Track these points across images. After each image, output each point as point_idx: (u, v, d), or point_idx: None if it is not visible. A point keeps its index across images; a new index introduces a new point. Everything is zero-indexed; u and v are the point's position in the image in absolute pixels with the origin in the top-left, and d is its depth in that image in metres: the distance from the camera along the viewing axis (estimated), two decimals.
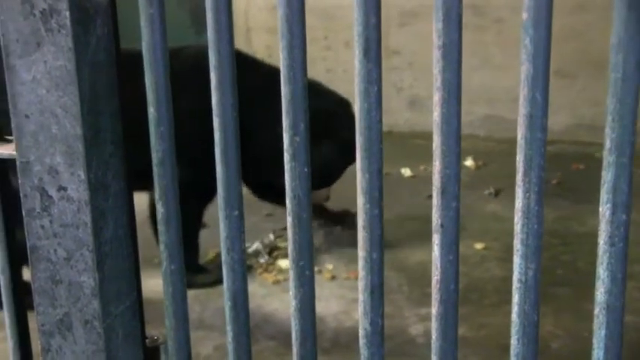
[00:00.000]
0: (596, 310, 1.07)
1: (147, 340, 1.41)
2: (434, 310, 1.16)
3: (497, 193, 4.62)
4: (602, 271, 1.06)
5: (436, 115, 1.07)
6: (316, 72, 5.01)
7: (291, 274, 1.24)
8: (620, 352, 1.08)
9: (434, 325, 1.16)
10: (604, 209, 1.03)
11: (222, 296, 1.31)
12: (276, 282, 3.45)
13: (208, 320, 3.10)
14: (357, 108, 1.11)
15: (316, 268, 3.46)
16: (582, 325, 2.93)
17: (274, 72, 3.37)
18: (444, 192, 1.10)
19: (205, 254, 3.68)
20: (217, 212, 1.27)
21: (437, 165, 1.09)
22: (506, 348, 1.15)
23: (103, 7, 1.22)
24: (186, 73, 3.06)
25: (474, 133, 6.01)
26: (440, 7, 1.03)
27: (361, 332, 1.21)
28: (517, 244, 1.08)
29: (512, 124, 1.20)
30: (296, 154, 1.17)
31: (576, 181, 4.82)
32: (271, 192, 3.82)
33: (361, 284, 1.19)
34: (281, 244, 3.83)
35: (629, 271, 1.06)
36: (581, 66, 5.70)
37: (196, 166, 2.89)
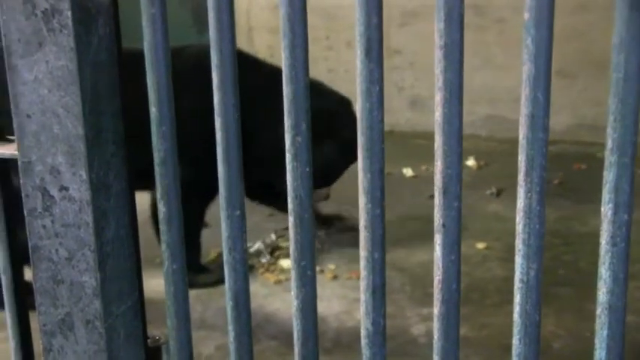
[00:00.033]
0: (598, 310, 1.07)
1: (148, 340, 1.41)
2: (436, 309, 1.16)
3: (498, 193, 4.62)
4: (604, 271, 1.05)
5: (438, 115, 1.07)
6: (318, 72, 5.00)
7: (293, 274, 1.24)
8: (622, 352, 1.08)
9: (436, 325, 1.16)
10: (606, 209, 1.03)
11: (224, 296, 1.31)
12: (278, 282, 3.45)
13: (210, 320, 3.11)
14: (358, 108, 1.11)
15: (318, 268, 3.46)
16: (584, 325, 2.93)
17: (275, 72, 3.38)
18: (445, 192, 1.10)
19: (207, 254, 3.68)
20: (219, 212, 1.27)
21: (438, 165, 1.09)
22: (508, 348, 1.15)
23: (104, 6, 1.22)
24: (188, 72, 3.06)
25: (475, 133, 6.01)
26: (442, 7, 1.03)
27: (363, 332, 1.21)
28: (519, 244, 1.08)
29: (514, 124, 1.20)
30: (298, 154, 1.17)
31: (578, 181, 4.82)
32: (266, 194, 3.82)
33: (363, 284, 1.19)
34: (283, 244, 3.83)
35: (631, 270, 1.06)
36: (583, 66, 5.70)
37: (198, 165, 2.89)
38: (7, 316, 1.45)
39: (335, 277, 3.49)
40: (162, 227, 1.31)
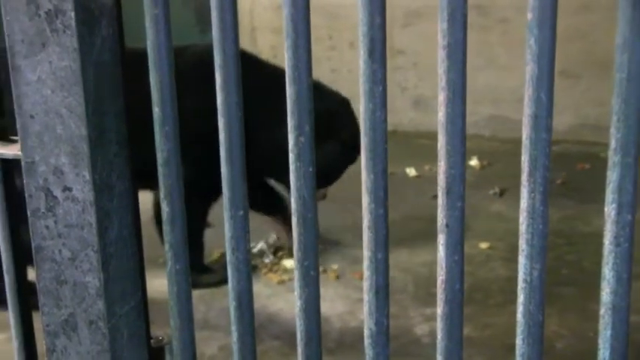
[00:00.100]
0: (602, 311, 1.07)
1: (152, 341, 1.41)
2: (439, 310, 1.16)
3: (502, 193, 4.62)
4: (607, 272, 1.05)
5: (441, 115, 1.07)
6: (321, 72, 5.00)
7: (296, 274, 1.24)
8: (625, 352, 1.08)
9: (439, 325, 1.16)
10: (609, 209, 1.03)
11: (227, 296, 1.31)
12: (281, 282, 3.45)
13: (213, 320, 3.11)
14: (361, 108, 1.11)
15: (321, 268, 3.45)
16: (587, 325, 2.92)
17: (277, 73, 3.39)
18: (449, 192, 1.10)
19: (210, 254, 3.68)
20: (222, 212, 1.27)
21: (442, 165, 1.09)
22: (511, 348, 1.15)
23: (108, 7, 1.22)
24: (191, 72, 3.06)
25: (478, 133, 6.00)
26: (445, 8, 1.02)
27: (366, 332, 1.21)
28: (522, 244, 1.08)
29: (517, 124, 1.20)
30: (301, 155, 1.17)
31: (581, 181, 4.81)
32: (260, 196, 3.80)
33: (366, 284, 1.19)
34: (285, 244, 3.83)
35: (634, 271, 1.06)
36: (586, 66, 5.70)
37: (201, 165, 2.89)
38: (11, 316, 1.45)
39: (338, 278, 3.49)
40: (166, 227, 1.31)
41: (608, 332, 1.07)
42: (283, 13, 1.12)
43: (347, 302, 3.23)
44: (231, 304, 1.30)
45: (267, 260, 3.68)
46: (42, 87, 1.21)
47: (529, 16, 0.99)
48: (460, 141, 1.07)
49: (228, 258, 1.28)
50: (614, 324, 1.07)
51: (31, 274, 1.35)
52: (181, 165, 1.29)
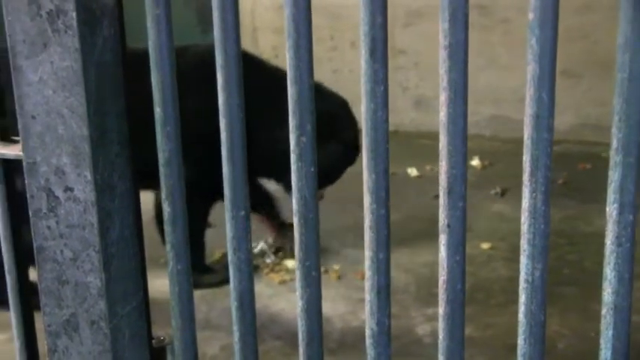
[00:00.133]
0: (604, 311, 1.07)
1: (153, 341, 1.41)
2: (441, 310, 1.16)
3: (503, 193, 4.62)
4: (609, 272, 1.05)
5: (442, 115, 1.07)
6: (322, 72, 5.00)
7: (298, 275, 1.24)
8: (627, 352, 1.08)
9: (441, 325, 1.16)
10: (611, 209, 1.03)
11: (229, 296, 1.31)
12: (283, 282, 3.45)
13: (215, 320, 3.11)
14: (363, 108, 1.11)
15: (323, 269, 3.46)
16: (589, 325, 2.92)
17: (276, 74, 3.40)
18: (450, 192, 1.09)
19: (212, 254, 3.68)
20: (223, 212, 1.27)
21: (443, 165, 1.09)
22: (513, 348, 1.15)
23: (109, 8, 1.22)
24: (192, 72, 3.06)
25: (480, 133, 6.00)
26: (446, 7, 1.02)
27: (368, 332, 1.21)
28: (524, 244, 1.08)
29: (518, 124, 1.20)
30: (302, 155, 1.17)
31: (582, 180, 4.81)
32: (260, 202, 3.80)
33: (368, 284, 1.19)
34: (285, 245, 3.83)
35: (636, 271, 1.06)
36: (588, 66, 5.69)
37: (202, 165, 2.89)
38: (12, 316, 1.45)
39: (340, 278, 3.49)
40: (167, 228, 1.31)
41: (610, 332, 1.07)
42: (285, 14, 1.12)
43: (348, 302, 3.23)
44: (233, 304, 1.30)
45: (268, 260, 3.68)
46: (43, 87, 1.21)
47: (530, 16, 0.99)
48: (461, 141, 1.07)
49: (229, 258, 1.28)
50: (616, 324, 1.07)
51: (33, 275, 1.35)
52: (183, 165, 1.29)
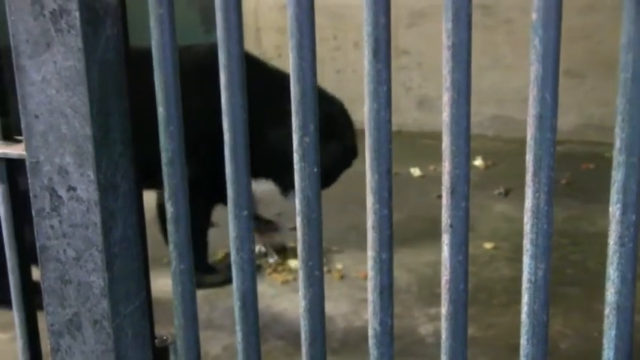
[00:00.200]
0: (607, 311, 1.07)
1: (156, 340, 1.41)
2: (443, 309, 1.16)
3: (506, 193, 4.61)
4: (612, 272, 1.05)
5: (445, 115, 1.07)
6: (325, 72, 5.00)
7: (301, 274, 1.24)
8: (630, 352, 1.08)
9: (443, 325, 1.16)
10: (614, 209, 1.03)
11: (232, 296, 1.31)
12: (286, 282, 3.45)
13: (217, 320, 3.11)
14: (366, 108, 1.11)
15: (325, 268, 3.46)
16: (592, 325, 2.92)
17: (277, 75, 3.40)
18: (453, 192, 1.09)
19: (214, 254, 3.69)
20: (226, 212, 1.27)
21: (446, 165, 1.09)
22: (516, 348, 1.15)
23: (112, 7, 1.22)
24: (195, 71, 3.06)
25: (482, 133, 6.00)
26: (449, 7, 1.02)
27: (370, 332, 1.21)
28: (526, 244, 1.08)
29: (521, 124, 1.20)
30: (305, 155, 1.17)
31: (586, 180, 4.81)
32: None
33: (370, 284, 1.19)
34: (290, 244, 3.83)
35: (639, 271, 1.06)
36: (591, 66, 5.69)
37: (204, 165, 2.89)
38: (15, 315, 1.45)
39: (342, 278, 3.49)
40: (170, 227, 1.31)
41: (613, 332, 1.07)
42: (288, 13, 1.12)
43: (351, 302, 3.23)
44: (236, 304, 1.30)
45: (271, 260, 3.68)
46: (46, 87, 1.21)
47: (534, 16, 0.99)
48: (464, 141, 1.07)
49: (232, 258, 1.28)
50: (619, 324, 1.07)
51: (36, 274, 1.36)
52: (186, 165, 1.29)
